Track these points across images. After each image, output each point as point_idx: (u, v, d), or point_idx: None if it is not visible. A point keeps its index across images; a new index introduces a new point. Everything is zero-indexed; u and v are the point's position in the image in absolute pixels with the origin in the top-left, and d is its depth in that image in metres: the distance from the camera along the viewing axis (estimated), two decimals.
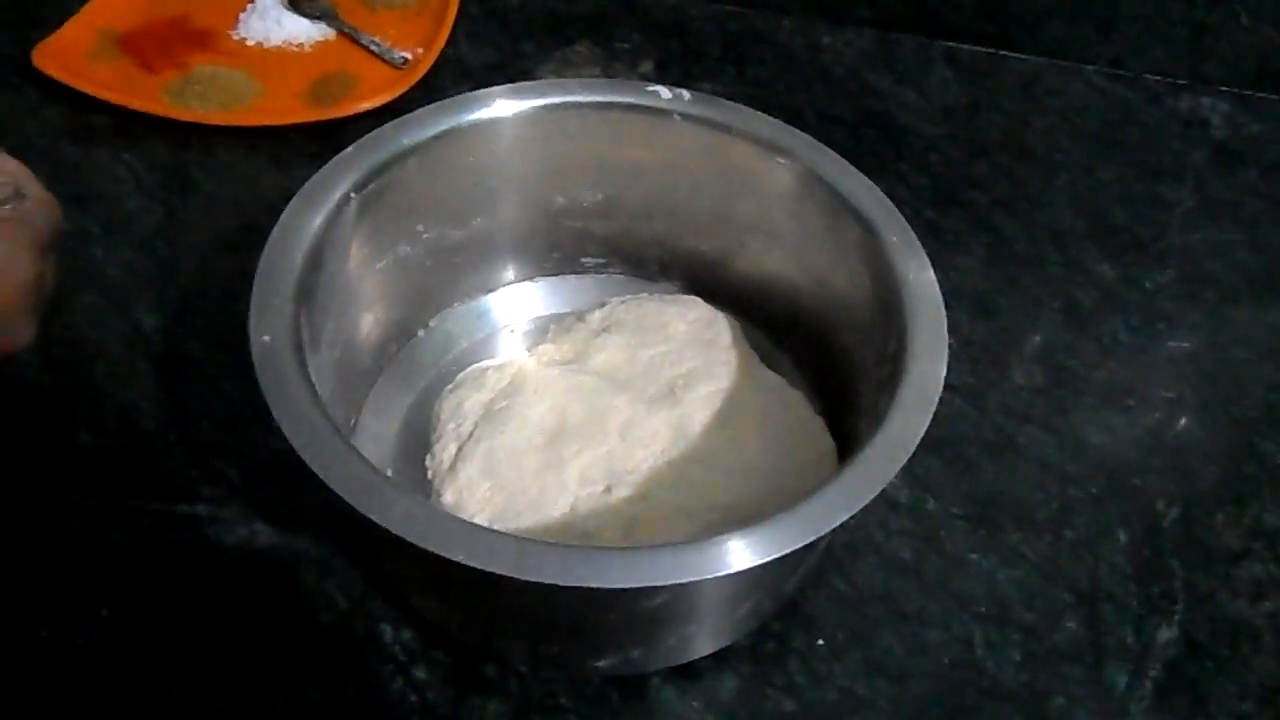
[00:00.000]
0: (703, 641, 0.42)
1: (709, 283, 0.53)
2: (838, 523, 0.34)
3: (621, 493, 0.44)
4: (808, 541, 0.34)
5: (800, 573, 0.43)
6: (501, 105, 0.45)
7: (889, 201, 0.44)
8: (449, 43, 0.68)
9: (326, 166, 0.42)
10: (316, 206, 0.41)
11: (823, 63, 0.72)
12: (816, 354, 0.49)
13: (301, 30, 0.68)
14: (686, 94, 0.47)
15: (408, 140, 0.44)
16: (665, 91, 0.47)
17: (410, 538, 0.32)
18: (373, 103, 0.62)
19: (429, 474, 0.45)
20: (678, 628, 0.39)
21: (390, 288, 0.48)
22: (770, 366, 0.50)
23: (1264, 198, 0.66)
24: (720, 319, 0.51)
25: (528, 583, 0.32)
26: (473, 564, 0.31)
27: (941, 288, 0.57)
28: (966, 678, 0.44)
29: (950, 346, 0.55)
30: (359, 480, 0.33)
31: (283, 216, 0.40)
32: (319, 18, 0.69)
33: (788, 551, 0.33)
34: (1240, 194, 0.67)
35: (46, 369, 0.51)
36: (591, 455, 0.45)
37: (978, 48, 0.74)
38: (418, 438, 0.47)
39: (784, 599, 0.44)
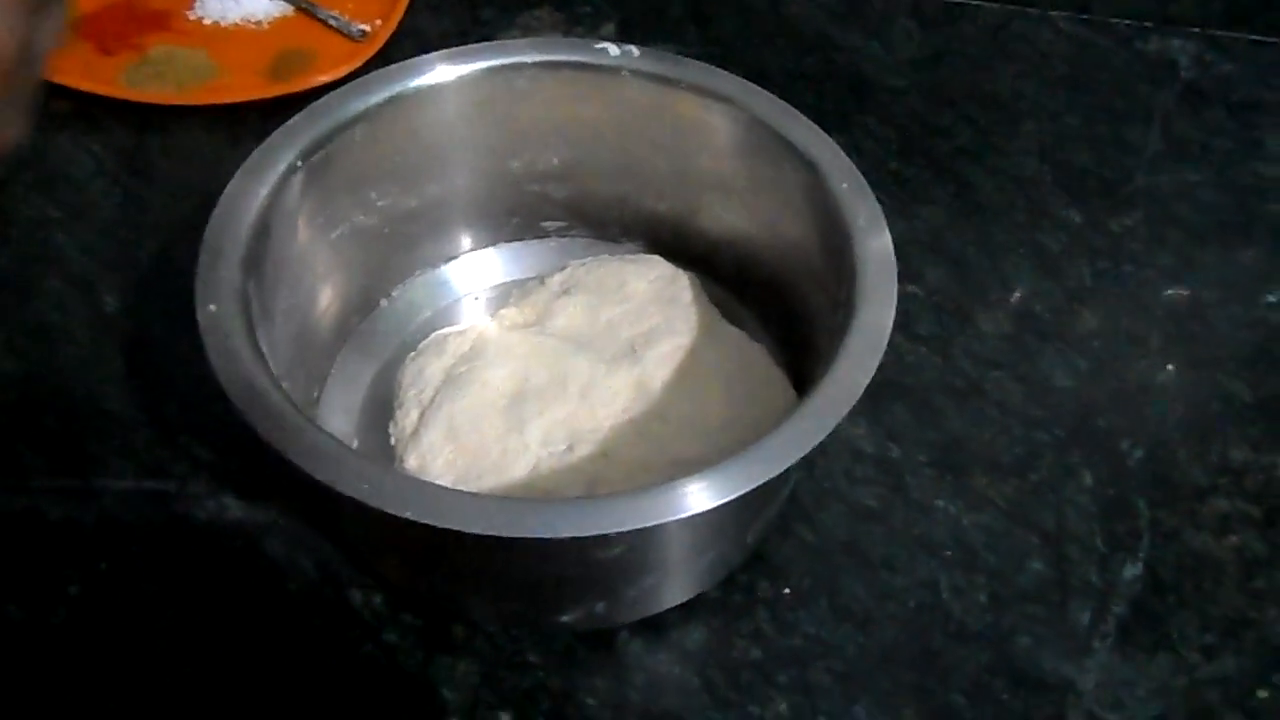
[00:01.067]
0: (668, 593, 0.42)
1: (671, 242, 0.53)
2: (788, 464, 0.34)
3: (583, 451, 0.44)
4: (758, 484, 0.34)
5: (762, 521, 0.43)
6: (445, 69, 0.45)
7: (836, 146, 0.44)
8: (407, 13, 0.68)
9: (272, 136, 0.42)
10: (262, 176, 0.41)
11: (786, 18, 0.72)
12: (778, 306, 0.49)
13: (259, 7, 0.68)
14: (636, 50, 0.47)
15: (355, 107, 0.44)
16: (613, 48, 0.47)
17: (358, 495, 0.32)
18: (331, 76, 0.62)
19: (392, 440, 0.46)
20: (640, 579, 0.39)
21: (347, 258, 0.48)
22: (734, 322, 0.50)
23: (1232, 136, 0.66)
24: (681, 276, 0.51)
25: (484, 539, 0.32)
26: (421, 520, 0.32)
27: (906, 237, 0.58)
28: (932, 621, 0.44)
29: (915, 296, 0.56)
30: (309, 444, 0.34)
31: (228, 187, 0.40)
32: None
33: (739, 495, 0.34)
34: (1208, 134, 0.66)
35: (11, 355, 0.51)
36: (553, 416, 0.45)
37: None
38: (382, 408, 0.48)
39: (748, 549, 0.44)
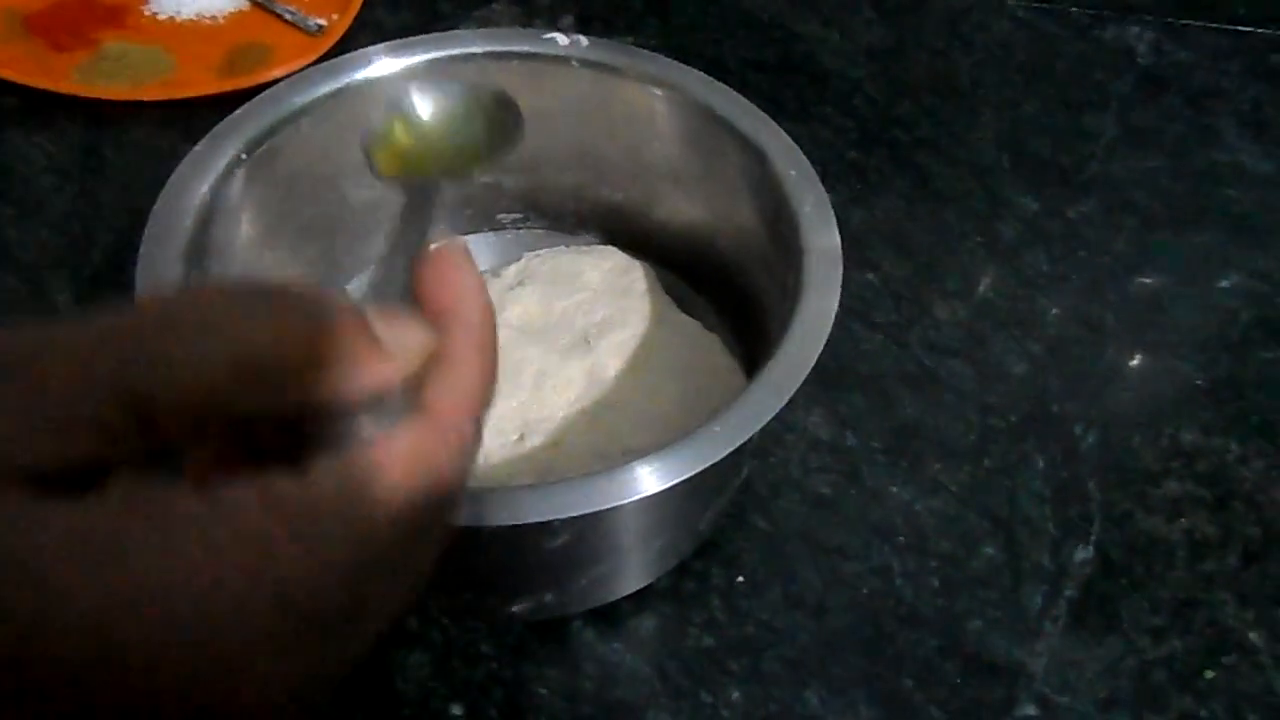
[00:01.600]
0: (620, 582, 0.42)
1: (627, 232, 0.53)
2: (732, 447, 0.34)
3: (535, 440, 0.44)
4: (702, 467, 0.34)
5: (714, 508, 0.43)
6: (390, 61, 0.45)
7: (783, 133, 0.44)
8: (365, 7, 0.67)
9: (215, 129, 0.42)
10: (205, 168, 0.41)
11: (745, 9, 0.72)
12: (731, 295, 0.49)
13: (214, 2, 0.67)
14: (585, 40, 0.47)
15: (299, 100, 0.43)
16: (562, 38, 0.47)
17: None
18: (287, 70, 0.61)
19: None
20: (590, 567, 0.39)
21: (298, 252, 0.47)
22: (689, 312, 0.50)
23: (1187, 122, 0.67)
24: (636, 267, 0.51)
25: None
26: None
27: (865, 227, 0.58)
28: (885, 606, 0.44)
29: (872, 284, 0.56)
30: None
31: (170, 180, 0.40)
32: None
33: (685, 478, 0.34)
34: (1164, 121, 0.67)
35: None
36: (505, 406, 0.45)
37: None
38: None
39: (701, 537, 0.44)
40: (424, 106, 0.28)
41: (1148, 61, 0.71)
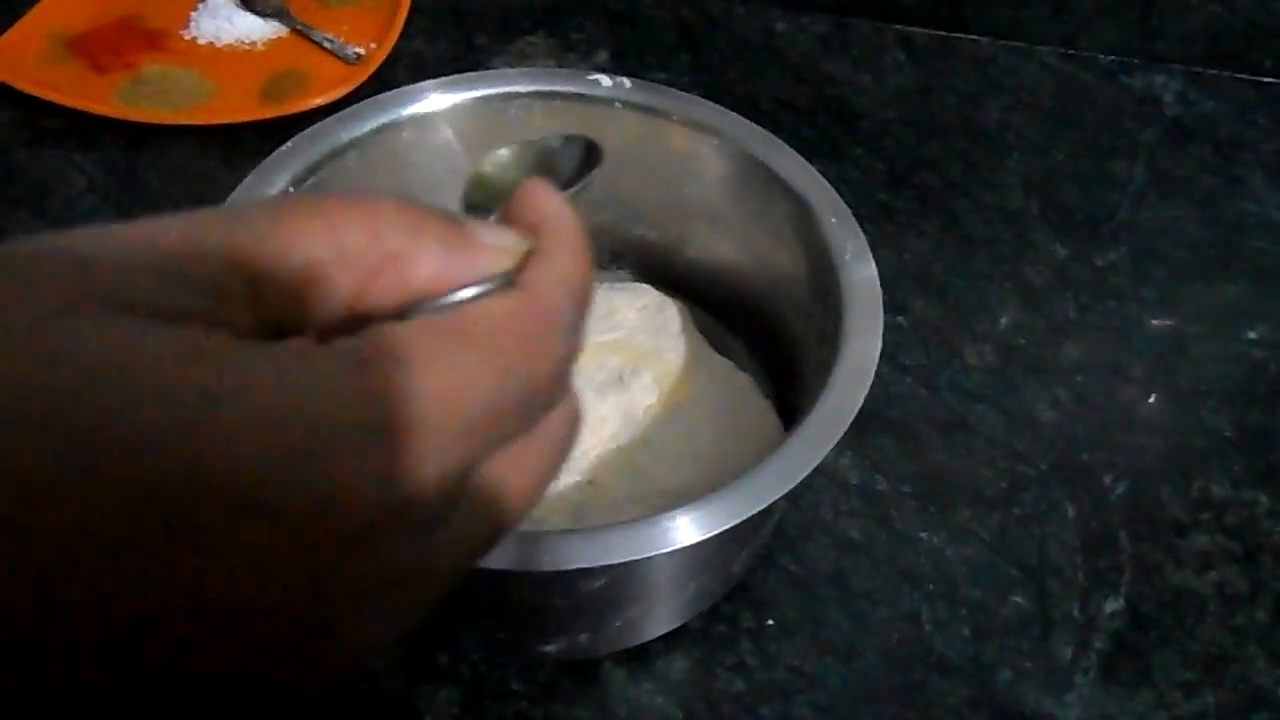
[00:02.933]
0: (652, 624, 0.42)
1: (660, 270, 0.53)
2: (773, 499, 0.35)
3: (569, 479, 0.44)
4: (742, 519, 0.34)
5: (747, 553, 0.43)
6: (440, 97, 0.46)
7: (824, 180, 0.44)
8: (402, 37, 0.68)
9: (263, 163, 0.42)
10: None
11: (777, 49, 0.73)
12: (766, 338, 0.50)
13: (254, 28, 0.68)
14: (627, 81, 0.48)
15: (346, 135, 0.44)
16: (606, 79, 0.47)
17: None
18: (325, 99, 0.62)
19: None
20: (624, 610, 0.39)
21: None
22: (721, 352, 0.50)
23: (1215, 173, 0.67)
24: (669, 305, 0.51)
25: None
26: None
27: (894, 269, 0.59)
28: (914, 654, 0.44)
29: (902, 327, 0.56)
30: None
31: None
32: (271, 15, 0.69)
33: (724, 529, 0.34)
34: (1192, 170, 0.67)
35: None
36: None
37: (931, 30, 0.75)
38: None
39: (732, 580, 0.44)
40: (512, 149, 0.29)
41: (1175, 111, 0.71)
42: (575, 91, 0.47)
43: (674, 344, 0.49)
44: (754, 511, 0.34)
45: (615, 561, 0.33)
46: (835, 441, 0.36)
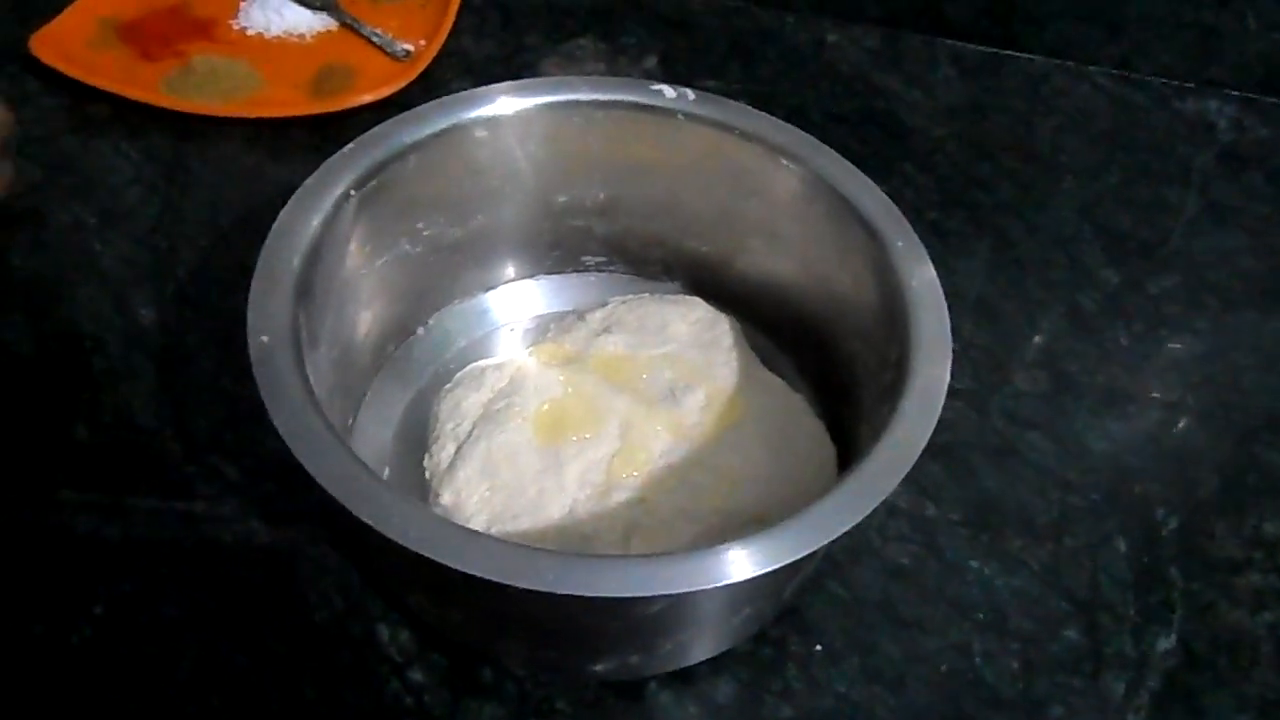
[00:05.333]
0: (701, 647, 0.41)
1: (711, 283, 0.53)
2: (839, 533, 0.34)
3: (620, 495, 0.43)
4: (808, 552, 0.33)
5: (799, 579, 0.42)
6: (505, 102, 0.45)
7: (894, 206, 0.44)
8: (451, 35, 0.68)
9: (326, 163, 0.42)
10: (315, 204, 0.41)
11: (828, 60, 0.72)
12: (818, 357, 0.49)
13: (303, 21, 0.68)
14: (691, 93, 0.47)
15: (409, 137, 0.43)
16: (670, 90, 0.47)
17: (411, 546, 0.31)
18: (373, 95, 0.62)
19: (427, 474, 0.45)
20: (676, 634, 0.39)
21: (389, 285, 0.47)
22: (771, 369, 0.50)
23: (1269, 202, 0.66)
24: (722, 320, 0.50)
25: (526, 589, 0.32)
26: (470, 571, 0.31)
27: (945, 290, 0.58)
28: (964, 686, 0.44)
29: (953, 350, 0.56)
30: (358, 486, 0.33)
31: (281, 214, 0.40)
32: (321, 8, 0.68)
33: (791, 562, 0.33)
34: (1246, 199, 0.66)
35: (43, 362, 0.51)
36: (591, 457, 0.44)
37: (984, 47, 0.74)
38: (415, 437, 0.47)
39: (782, 605, 0.43)
40: None
41: (1228, 137, 0.70)
42: (640, 101, 0.46)
43: (726, 359, 0.49)
44: (815, 548, 0.34)
45: (676, 592, 0.32)
46: (898, 481, 0.35)
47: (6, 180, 0.51)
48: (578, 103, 0.46)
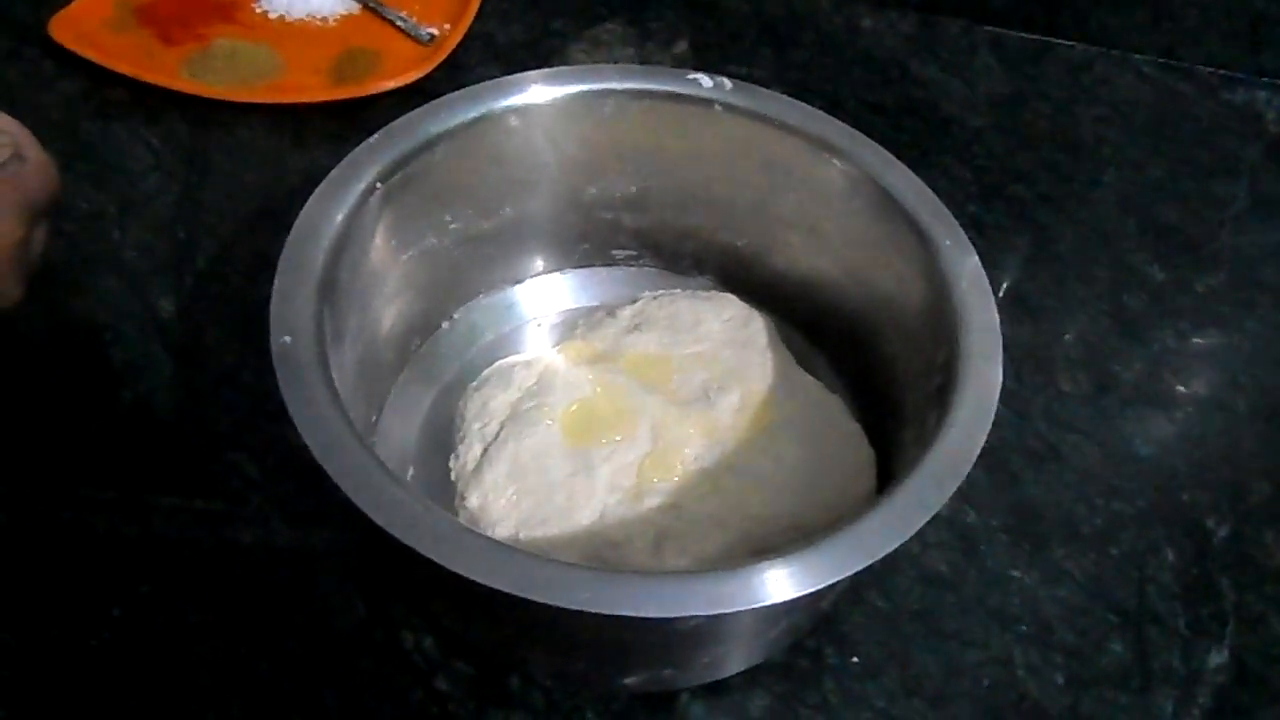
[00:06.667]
0: (735, 660, 0.40)
1: (744, 278, 0.51)
2: (885, 552, 0.32)
3: (651, 501, 0.42)
4: (852, 573, 0.32)
5: (837, 591, 0.41)
6: (536, 91, 0.43)
7: (940, 203, 0.42)
8: (476, 19, 0.66)
9: (351, 155, 0.40)
10: (340, 197, 0.39)
11: (863, 46, 0.70)
12: (856, 357, 0.47)
13: (326, 3, 0.66)
14: (728, 83, 0.45)
15: (436, 128, 0.42)
16: (706, 80, 0.45)
17: (436, 558, 0.30)
18: (397, 81, 0.60)
19: (453, 475, 0.44)
20: (711, 649, 0.38)
21: (415, 279, 0.46)
22: (806, 368, 0.48)
23: None
24: (756, 318, 0.49)
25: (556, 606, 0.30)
26: (500, 588, 0.30)
27: None
28: (1007, 700, 0.42)
29: None
30: (381, 492, 0.32)
31: (305, 208, 0.38)
32: None
33: (832, 582, 0.32)
34: None
35: (62, 355, 0.49)
36: (621, 460, 0.43)
37: (1024, 34, 0.72)
38: (441, 434, 0.46)
39: (819, 616, 0.42)
40: None
41: (1277, 128, 0.68)
42: (675, 91, 0.45)
43: (761, 359, 0.47)
44: (862, 567, 0.32)
45: (719, 612, 0.31)
46: (948, 497, 0.33)
47: (35, 251, 0.46)
48: (611, 91, 0.44)
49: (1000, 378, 0.36)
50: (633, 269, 0.53)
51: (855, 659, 0.43)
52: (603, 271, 0.52)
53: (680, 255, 0.52)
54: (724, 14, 0.70)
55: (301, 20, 0.65)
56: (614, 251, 0.52)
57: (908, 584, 0.45)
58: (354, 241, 0.39)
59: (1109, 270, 0.58)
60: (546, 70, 0.44)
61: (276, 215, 0.39)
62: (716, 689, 0.41)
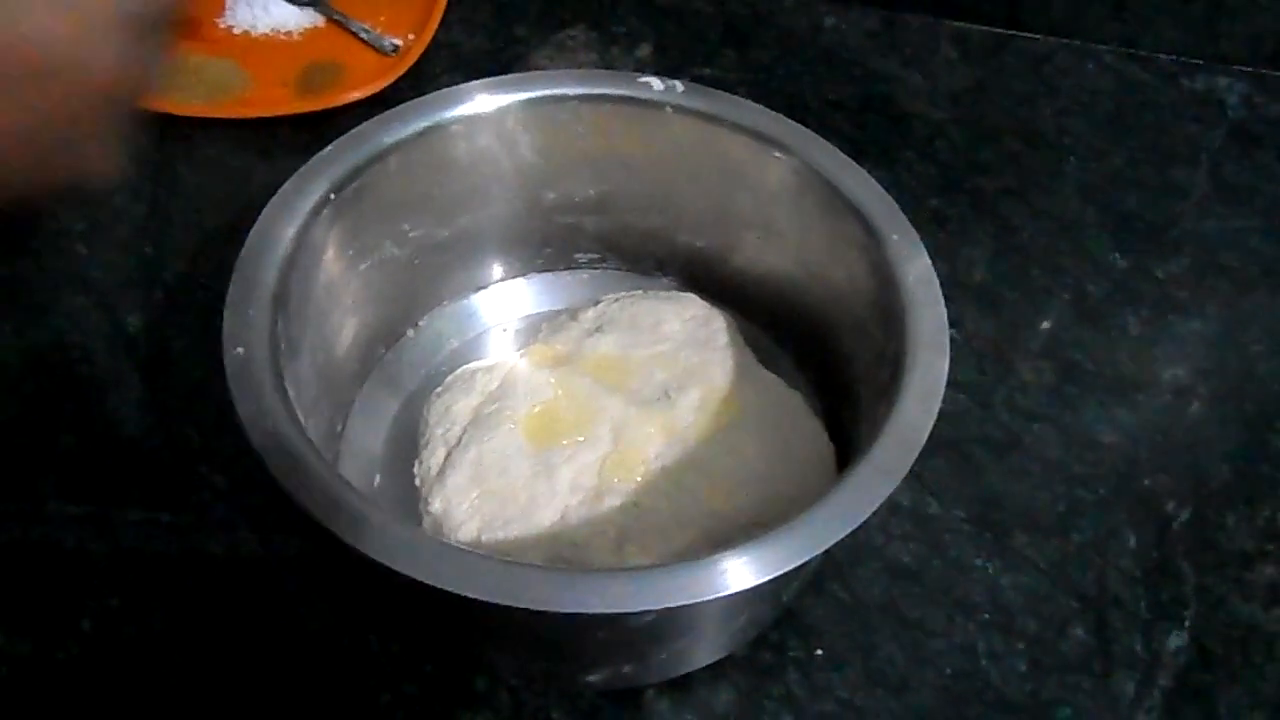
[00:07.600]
0: (698, 654, 0.40)
1: (706, 278, 0.51)
2: (838, 538, 0.33)
3: (613, 500, 0.42)
4: (806, 559, 0.32)
5: (798, 583, 0.41)
6: (484, 100, 0.44)
7: (889, 197, 0.42)
8: (441, 28, 0.66)
9: (303, 168, 0.41)
10: (292, 210, 0.40)
11: (825, 45, 0.70)
12: (816, 354, 0.48)
13: (290, 17, 0.66)
14: (680, 85, 0.46)
15: (388, 138, 0.42)
16: (657, 83, 0.45)
17: (390, 563, 0.31)
18: (362, 92, 0.61)
19: (417, 481, 0.44)
20: (671, 644, 0.38)
21: (376, 289, 0.46)
22: (768, 366, 0.48)
23: None
24: (717, 317, 0.49)
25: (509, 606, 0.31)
26: (453, 590, 0.30)
27: (946, 279, 0.55)
28: (970, 688, 0.43)
29: (955, 340, 0.53)
30: (335, 502, 0.32)
31: (258, 222, 0.39)
32: (308, 4, 0.67)
33: (787, 571, 0.32)
34: (1257, 178, 0.65)
35: (28, 372, 0.50)
36: (582, 461, 0.43)
37: (986, 27, 0.72)
38: (407, 442, 0.46)
39: (781, 608, 0.42)
40: None
41: (1239, 115, 0.69)
42: (626, 95, 0.45)
43: (721, 358, 0.47)
44: (813, 555, 0.33)
45: (671, 605, 0.31)
46: (897, 483, 0.34)
47: (145, 85, 0.27)
48: (561, 97, 0.45)
49: (946, 368, 0.37)
50: (597, 272, 0.53)
51: (819, 651, 0.43)
52: (567, 275, 0.53)
53: (643, 257, 0.52)
54: (686, 16, 0.71)
55: (266, 35, 0.66)
56: (577, 255, 0.52)
57: (871, 575, 0.45)
58: (307, 253, 0.40)
59: (1071, 259, 0.59)
60: (495, 79, 0.45)
61: (244, 230, 0.40)
62: (681, 684, 0.41)
